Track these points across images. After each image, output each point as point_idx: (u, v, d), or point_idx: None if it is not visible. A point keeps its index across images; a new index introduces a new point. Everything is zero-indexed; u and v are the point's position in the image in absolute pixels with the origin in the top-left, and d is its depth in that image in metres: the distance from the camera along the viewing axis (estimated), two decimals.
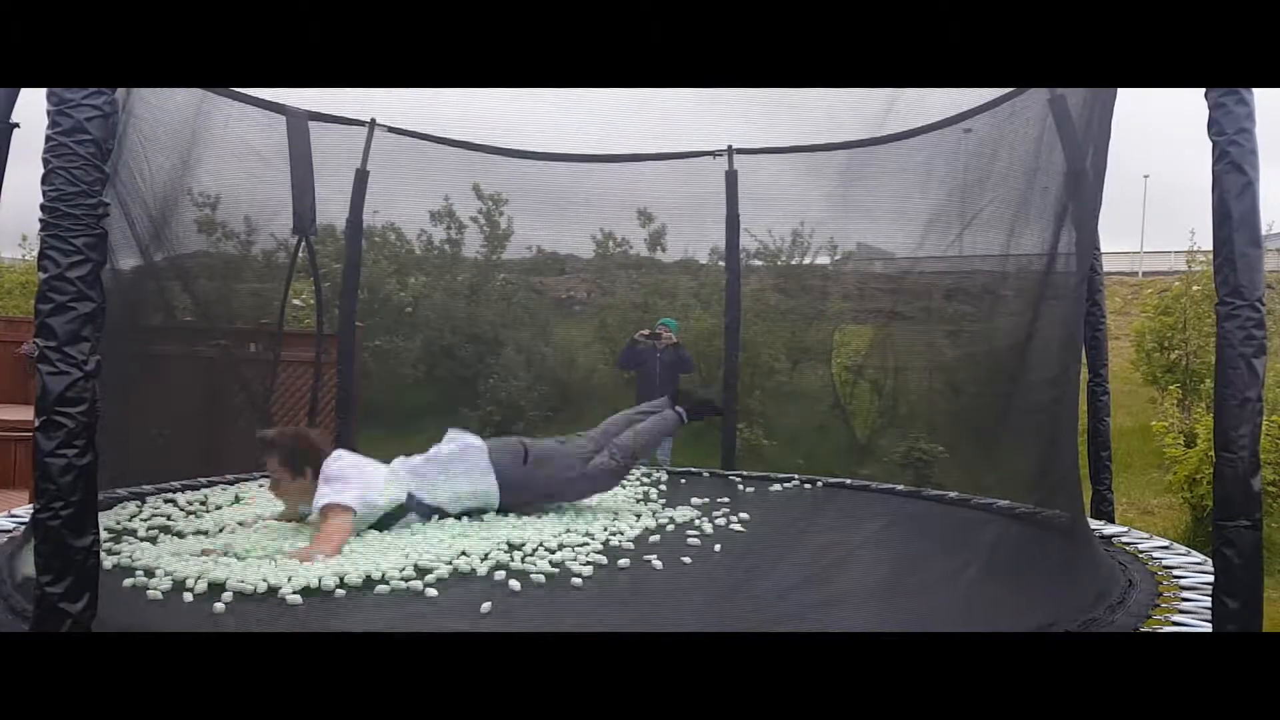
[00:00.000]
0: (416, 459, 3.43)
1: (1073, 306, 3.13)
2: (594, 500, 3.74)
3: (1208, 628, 2.07)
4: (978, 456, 4.16)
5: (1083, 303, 3.30)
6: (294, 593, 2.40)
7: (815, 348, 8.84)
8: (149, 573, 2.54)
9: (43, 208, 1.62)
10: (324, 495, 3.05)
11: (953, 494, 4.11)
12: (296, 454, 3.22)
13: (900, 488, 4.48)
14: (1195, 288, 9.17)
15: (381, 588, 2.51)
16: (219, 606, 2.29)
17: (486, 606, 2.35)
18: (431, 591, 2.50)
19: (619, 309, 9.72)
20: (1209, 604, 1.92)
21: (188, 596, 2.38)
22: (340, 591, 2.48)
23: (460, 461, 3.40)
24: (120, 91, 1.88)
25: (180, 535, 3.14)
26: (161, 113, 3.48)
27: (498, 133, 5.08)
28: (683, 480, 4.64)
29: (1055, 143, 3.13)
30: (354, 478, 3.13)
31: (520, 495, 3.49)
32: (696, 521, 3.47)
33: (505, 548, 2.94)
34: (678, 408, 4.00)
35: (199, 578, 2.46)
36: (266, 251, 5.73)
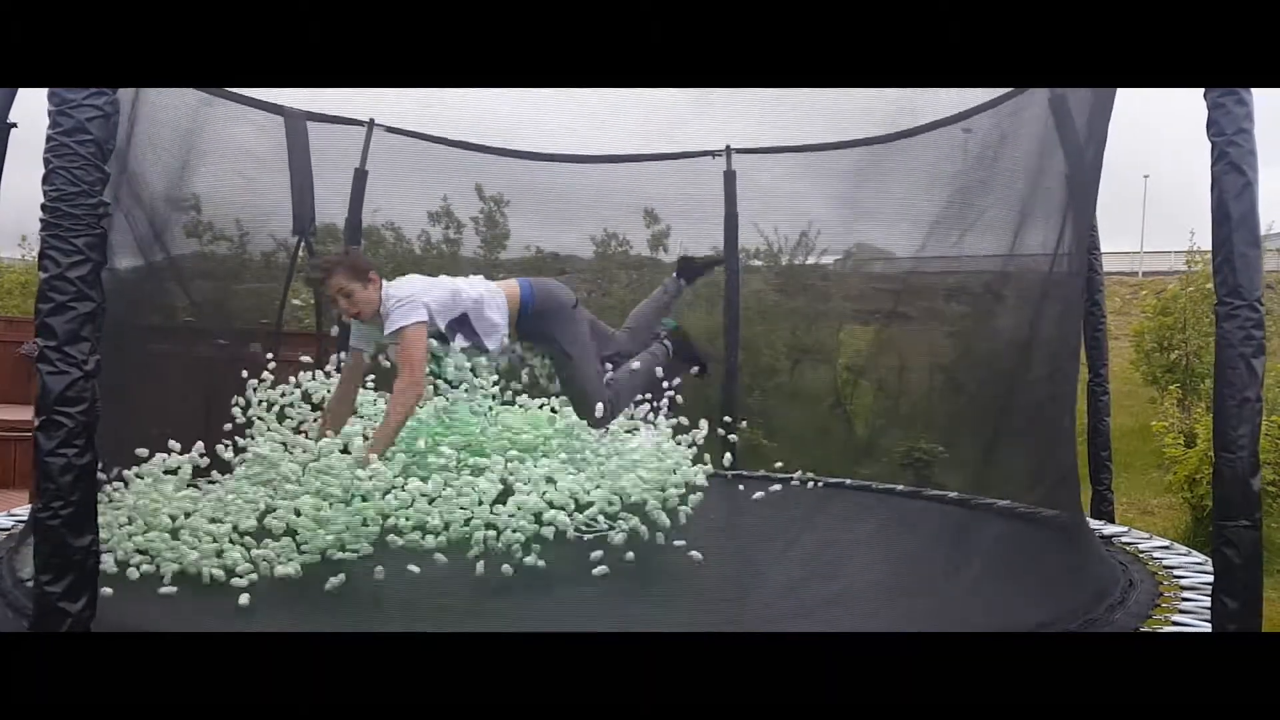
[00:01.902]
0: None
1: (1071, 305, 3.12)
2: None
3: (1207, 627, 2.07)
4: (978, 456, 4.15)
5: (1081, 302, 3.29)
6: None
7: (816, 348, 8.80)
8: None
9: (44, 208, 1.63)
10: (394, 320, 3.03)
11: (953, 494, 4.10)
12: (355, 266, 3.14)
13: (900, 487, 4.47)
14: (1190, 288, 9.14)
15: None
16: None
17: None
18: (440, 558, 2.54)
19: (619, 309, 9.68)
20: (1208, 604, 1.92)
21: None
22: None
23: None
24: (126, 92, 1.88)
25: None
26: (164, 113, 3.47)
27: (497, 133, 5.07)
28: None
29: (1056, 143, 3.13)
30: (421, 291, 3.11)
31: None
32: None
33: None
34: (663, 337, 3.66)
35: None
36: (265, 252, 5.72)
